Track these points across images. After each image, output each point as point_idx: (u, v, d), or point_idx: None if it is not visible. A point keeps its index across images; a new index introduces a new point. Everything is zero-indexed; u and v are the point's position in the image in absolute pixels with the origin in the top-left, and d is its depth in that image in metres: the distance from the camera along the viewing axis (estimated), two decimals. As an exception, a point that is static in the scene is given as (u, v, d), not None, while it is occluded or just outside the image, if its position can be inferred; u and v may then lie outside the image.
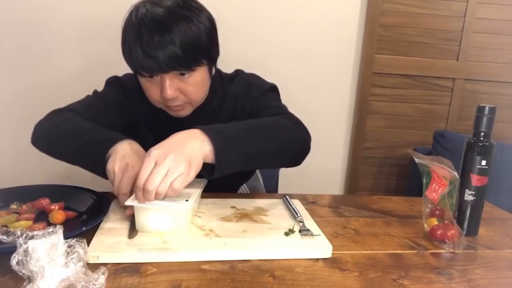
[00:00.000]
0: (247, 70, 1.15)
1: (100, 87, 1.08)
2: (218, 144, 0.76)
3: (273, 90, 1.11)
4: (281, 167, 0.97)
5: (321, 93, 2.00)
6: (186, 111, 0.99)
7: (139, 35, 0.86)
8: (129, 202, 0.73)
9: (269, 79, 1.13)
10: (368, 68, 1.98)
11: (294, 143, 0.94)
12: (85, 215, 0.81)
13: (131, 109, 1.04)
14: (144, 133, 1.07)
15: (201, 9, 0.93)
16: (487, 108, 0.82)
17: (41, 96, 1.80)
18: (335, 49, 1.96)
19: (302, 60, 1.94)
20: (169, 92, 0.90)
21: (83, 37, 1.78)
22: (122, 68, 0.97)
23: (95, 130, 0.91)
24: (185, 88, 0.92)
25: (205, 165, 0.76)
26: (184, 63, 0.88)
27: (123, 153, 0.81)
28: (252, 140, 0.83)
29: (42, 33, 1.76)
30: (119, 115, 1.03)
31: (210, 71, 0.98)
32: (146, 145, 1.11)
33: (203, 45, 0.90)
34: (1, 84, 1.79)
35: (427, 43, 2.00)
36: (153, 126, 1.07)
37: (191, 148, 0.73)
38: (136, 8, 0.90)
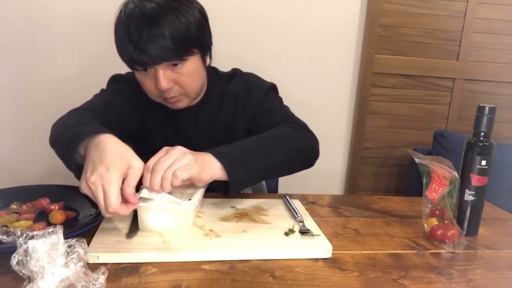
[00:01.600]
0: (247, 70, 1.14)
1: (100, 86, 1.07)
2: (227, 164, 0.79)
3: (273, 89, 1.11)
4: (292, 173, 0.99)
5: (321, 93, 2.00)
6: (183, 103, 1.00)
7: (128, 30, 0.88)
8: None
9: (269, 79, 1.13)
10: (368, 68, 1.98)
11: (302, 152, 0.97)
12: (85, 215, 0.81)
13: (140, 101, 1.03)
14: (152, 127, 1.07)
15: (191, 0, 0.93)
16: (487, 108, 0.82)
17: (40, 96, 1.80)
18: (335, 49, 1.96)
19: (302, 60, 1.94)
20: (163, 83, 0.91)
21: (82, 36, 1.78)
22: (122, 67, 0.97)
23: (75, 125, 0.80)
24: (179, 79, 0.93)
25: (218, 183, 0.81)
26: (174, 53, 0.89)
27: (93, 160, 0.70)
28: (260, 157, 0.87)
29: (41, 33, 1.76)
30: (131, 108, 1.02)
31: (203, 60, 0.99)
32: (153, 139, 1.11)
33: (193, 35, 0.91)
34: (0, 84, 1.79)
35: (427, 43, 2.00)
36: (158, 121, 1.07)
37: (199, 153, 0.78)
38: (125, 5, 0.91)
